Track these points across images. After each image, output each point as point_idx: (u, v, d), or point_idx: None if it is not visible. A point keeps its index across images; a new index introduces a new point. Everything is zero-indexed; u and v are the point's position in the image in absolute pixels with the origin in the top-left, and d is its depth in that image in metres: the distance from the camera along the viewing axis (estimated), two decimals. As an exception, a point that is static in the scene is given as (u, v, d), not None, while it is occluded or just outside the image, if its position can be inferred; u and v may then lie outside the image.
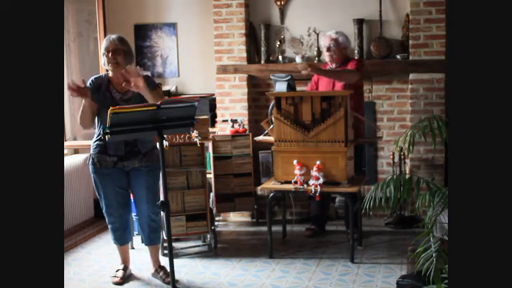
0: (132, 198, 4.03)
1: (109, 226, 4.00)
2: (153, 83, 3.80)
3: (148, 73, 5.55)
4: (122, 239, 4.02)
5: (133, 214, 4.23)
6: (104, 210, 3.96)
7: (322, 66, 4.76)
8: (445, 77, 4.99)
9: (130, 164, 3.81)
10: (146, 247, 4.09)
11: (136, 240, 4.62)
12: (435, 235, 2.90)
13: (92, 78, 3.87)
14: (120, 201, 3.90)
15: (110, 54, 3.75)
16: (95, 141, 3.85)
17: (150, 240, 4.00)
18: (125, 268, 4.05)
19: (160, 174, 3.82)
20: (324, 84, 4.64)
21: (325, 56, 4.66)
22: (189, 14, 5.71)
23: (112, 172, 3.82)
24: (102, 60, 3.83)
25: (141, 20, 5.79)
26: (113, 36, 3.83)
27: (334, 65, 4.61)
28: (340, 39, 4.58)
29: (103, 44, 3.82)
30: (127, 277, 4.04)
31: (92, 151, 3.85)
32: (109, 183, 3.84)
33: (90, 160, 3.85)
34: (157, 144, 3.32)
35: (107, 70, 3.88)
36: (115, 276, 3.99)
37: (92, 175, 3.88)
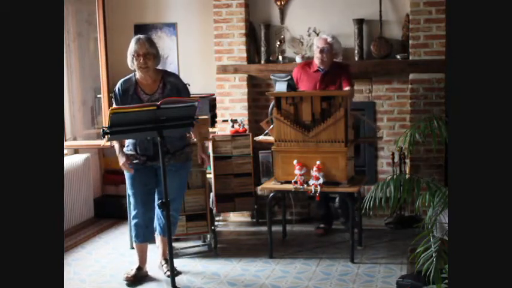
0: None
1: (132, 222, 4.04)
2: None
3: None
4: (141, 237, 4.02)
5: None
6: (131, 207, 4.03)
7: (307, 66, 4.72)
8: (445, 77, 4.98)
9: (159, 163, 3.74)
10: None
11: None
12: (435, 235, 2.90)
13: (121, 82, 3.85)
14: (145, 198, 3.94)
15: (142, 59, 3.73)
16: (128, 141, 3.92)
17: (165, 232, 3.96)
18: (139, 268, 4.02)
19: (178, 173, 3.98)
20: (305, 85, 4.62)
21: (316, 57, 4.62)
22: (189, 14, 5.71)
23: (141, 169, 3.88)
24: (129, 61, 3.78)
25: (141, 20, 5.79)
26: (143, 38, 3.79)
27: (322, 67, 4.59)
28: (334, 45, 4.59)
29: (132, 46, 3.76)
30: (140, 278, 3.99)
31: (125, 148, 3.92)
32: (137, 179, 3.90)
33: None
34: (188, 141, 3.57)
35: (134, 70, 3.85)
36: (127, 274, 3.98)
37: (125, 171, 3.95)
